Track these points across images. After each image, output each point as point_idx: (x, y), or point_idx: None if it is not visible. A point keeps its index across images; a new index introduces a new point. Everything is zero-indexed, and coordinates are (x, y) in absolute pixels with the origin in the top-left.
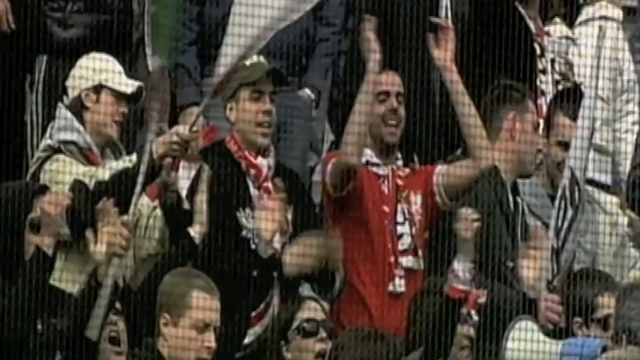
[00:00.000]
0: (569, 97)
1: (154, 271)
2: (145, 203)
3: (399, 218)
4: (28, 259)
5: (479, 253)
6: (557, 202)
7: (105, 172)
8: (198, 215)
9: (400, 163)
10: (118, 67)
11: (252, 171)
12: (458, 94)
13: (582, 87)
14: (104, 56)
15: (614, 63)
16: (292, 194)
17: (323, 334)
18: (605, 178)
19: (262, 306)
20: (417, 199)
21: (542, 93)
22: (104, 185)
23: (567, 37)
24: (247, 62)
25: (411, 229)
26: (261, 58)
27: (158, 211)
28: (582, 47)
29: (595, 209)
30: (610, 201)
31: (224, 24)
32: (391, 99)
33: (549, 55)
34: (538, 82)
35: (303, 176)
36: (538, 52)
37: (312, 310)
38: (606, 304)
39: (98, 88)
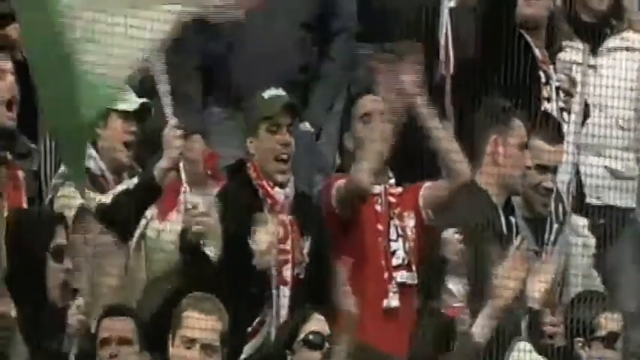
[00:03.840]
0: (547, 122)
1: (170, 296)
2: (150, 226)
3: (392, 235)
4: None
5: (473, 277)
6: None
7: (109, 195)
8: (212, 235)
9: (392, 181)
10: (133, 97)
11: (269, 200)
12: (426, 118)
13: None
14: (131, 95)
15: (636, 93)
16: (308, 225)
17: (328, 347)
18: (628, 203)
19: (259, 319)
20: (409, 216)
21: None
22: (105, 206)
23: (587, 65)
24: (265, 95)
25: (404, 245)
26: (280, 91)
27: (164, 235)
28: (604, 77)
29: (570, 231)
30: (582, 224)
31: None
32: (374, 118)
33: (554, 83)
34: (543, 109)
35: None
36: (543, 79)
37: (318, 322)
38: (607, 322)
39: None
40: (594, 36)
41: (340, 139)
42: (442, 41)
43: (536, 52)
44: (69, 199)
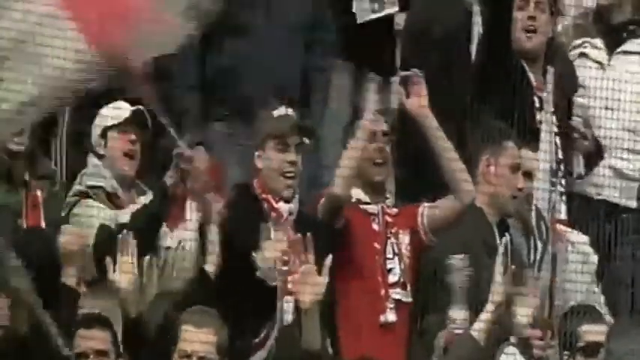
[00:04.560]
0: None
1: (172, 309)
2: (168, 239)
3: (389, 254)
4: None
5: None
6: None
7: (126, 214)
8: (211, 251)
9: (389, 201)
10: (123, 105)
11: (273, 214)
12: (437, 138)
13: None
14: (122, 104)
15: None
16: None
17: None
18: (632, 203)
19: (265, 331)
20: (404, 236)
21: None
22: (124, 226)
23: (598, 62)
24: (275, 113)
25: (400, 263)
26: (289, 110)
27: (181, 248)
28: (616, 79)
29: (568, 249)
30: (582, 240)
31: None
32: (377, 139)
33: (549, 108)
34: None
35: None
36: (537, 104)
37: None
38: (587, 333)
39: (104, 133)
40: (613, 38)
41: None
42: (473, 57)
43: (532, 78)
44: (86, 217)
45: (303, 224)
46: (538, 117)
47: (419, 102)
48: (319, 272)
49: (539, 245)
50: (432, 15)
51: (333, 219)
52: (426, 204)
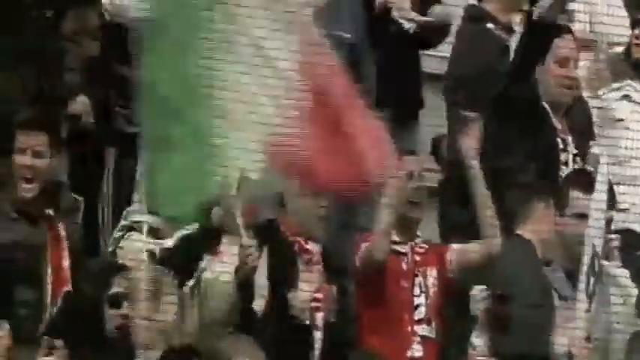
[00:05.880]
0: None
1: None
2: (209, 271)
3: (416, 291)
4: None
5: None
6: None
7: (171, 240)
8: (260, 293)
9: (420, 240)
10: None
11: (305, 255)
12: (477, 181)
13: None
14: None
15: None
16: (333, 273)
17: None
18: None
19: None
20: (432, 274)
21: None
22: (168, 250)
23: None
24: None
25: (426, 300)
26: None
27: (220, 279)
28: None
29: (609, 282)
30: (623, 274)
31: None
32: (414, 177)
33: (572, 150)
34: (561, 173)
35: None
36: (561, 146)
37: None
38: None
39: None
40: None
41: None
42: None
43: (554, 121)
44: (132, 248)
45: (325, 258)
46: (562, 158)
47: (471, 142)
48: None
49: (592, 280)
50: (474, 56)
51: (373, 271)
52: (454, 246)
